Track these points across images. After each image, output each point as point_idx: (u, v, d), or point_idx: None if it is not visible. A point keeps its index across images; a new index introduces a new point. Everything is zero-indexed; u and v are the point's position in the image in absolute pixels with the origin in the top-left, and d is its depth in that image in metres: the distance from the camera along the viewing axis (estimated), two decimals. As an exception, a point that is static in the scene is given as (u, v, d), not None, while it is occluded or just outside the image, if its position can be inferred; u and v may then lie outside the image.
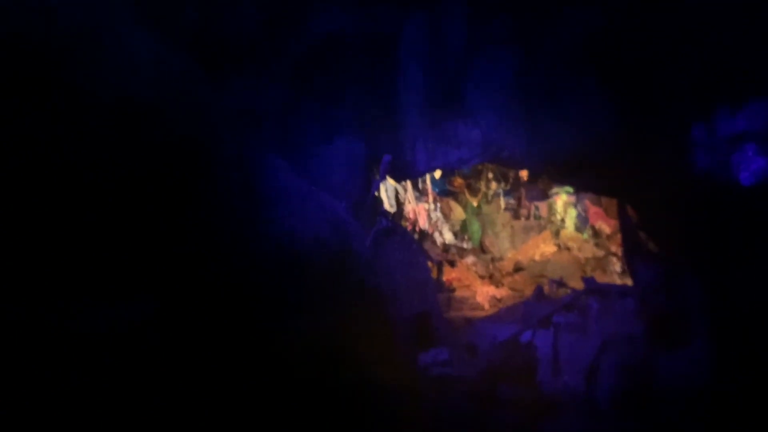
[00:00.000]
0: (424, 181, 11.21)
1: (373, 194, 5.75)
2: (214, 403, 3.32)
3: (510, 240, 12.25)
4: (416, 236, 9.57)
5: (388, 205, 10.18)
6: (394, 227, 5.82)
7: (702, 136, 6.11)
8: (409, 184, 10.46)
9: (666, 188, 6.23)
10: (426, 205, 10.98)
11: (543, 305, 7.17)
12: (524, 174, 11.56)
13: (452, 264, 9.46)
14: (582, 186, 9.30)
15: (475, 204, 13.03)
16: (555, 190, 12.55)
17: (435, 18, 5.93)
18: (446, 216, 12.46)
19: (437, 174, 11.02)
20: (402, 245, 5.78)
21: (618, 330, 6.33)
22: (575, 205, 12.45)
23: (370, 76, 5.96)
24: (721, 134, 6.06)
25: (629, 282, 7.61)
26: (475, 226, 12.83)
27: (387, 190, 10.30)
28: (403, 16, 5.93)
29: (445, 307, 8.20)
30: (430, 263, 8.62)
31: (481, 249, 12.39)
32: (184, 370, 3.29)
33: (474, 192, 12.90)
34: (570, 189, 12.36)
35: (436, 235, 10.65)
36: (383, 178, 5.79)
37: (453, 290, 8.88)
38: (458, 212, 12.92)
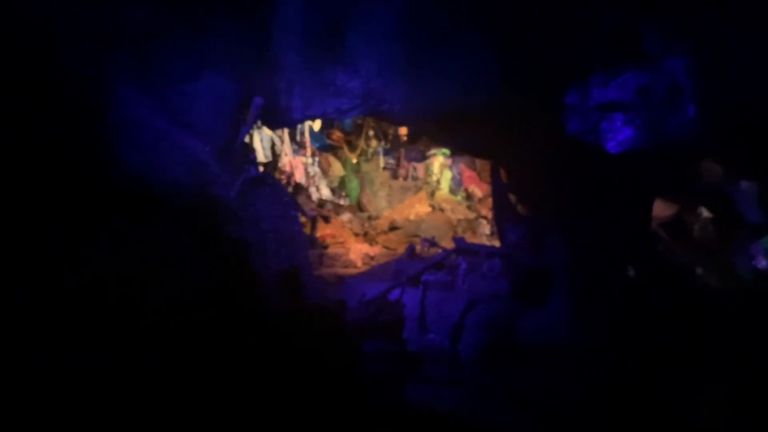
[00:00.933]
0: (303, 134, 10.80)
1: (242, 140, 5.31)
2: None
3: (387, 199, 12.22)
4: (290, 189, 9.20)
5: (263, 155, 9.71)
6: (264, 177, 5.43)
7: (575, 102, 6.24)
8: (286, 135, 10.03)
9: (538, 152, 6.34)
10: (304, 159, 10.61)
11: (414, 264, 7.14)
12: (404, 133, 11.49)
13: (326, 220, 9.23)
14: (458, 146, 9.38)
15: (354, 161, 12.83)
16: (433, 151, 12.63)
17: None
18: (324, 171, 12.18)
19: (316, 127, 10.66)
20: (272, 197, 5.43)
21: (484, 289, 6.43)
22: (451, 168, 12.63)
23: (246, 11, 5.46)
24: (593, 102, 6.22)
25: (498, 244, 7.77)
26: (353, 184, 12.66)
27: (262, 140, 9.81)
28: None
29: (317, 263, 7.98)
30: (303, 218, 8.33)
31: (358, 207, 12.27)
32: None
33: (354, 149, 12.68)
34: (447, 151, 12.50)
35: (313, 190, 10.33)
36: (254, 123, 5.36)
37: (326, 247, 8.68)
38: (337, 168, 12.67)
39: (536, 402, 5.14)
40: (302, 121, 6.16)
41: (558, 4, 5.73)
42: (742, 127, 6.29)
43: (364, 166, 13.00)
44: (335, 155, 12.74)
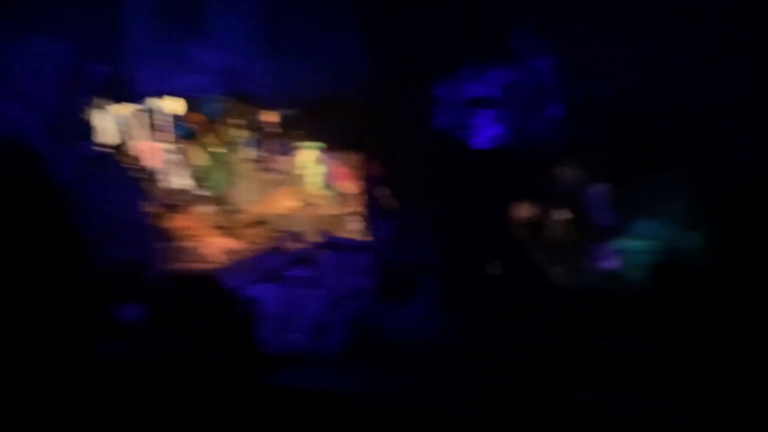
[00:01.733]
0: (166, 118, 9.93)
1: (79, 113, 4.60)
2: None
3: (254, 192, 11.63)
4: (141, 176, 8.33)
5: (111, 136, 8.80)
6: (104, 158, 4.74)
7: (445, 96, 6.14)
8: (142, 116, 9.17)
9: (410, 144, 6.20)
10: (163, 144, 9.75)
11: (275, 258, 6.72)
12: (273, 121, 10.99)
13: (178, 210, 8.49)
14: (329, 137, 9.09)
15: (219, 151, 12.11)
16: (305, 144, 12.23)
17: None
18: (186, 159, 11.35)
19: (178, 109, 9.87)
20: (114, 181, 4.78)
21: (350, 285, 6.16)
22: (323, 161, 12.31)
23: None
24: (462, 97, 6.16)
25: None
26: (218, 174, 11.94)
27: (113, 119, 8.89)
28: None
29: (166, 257, 7.29)
30: (152, 208, 7.61)
31: (222, 199, 11.59)
32: None
33: (220, 137, 11.97)
34: (320, 144, 12.13)
35: (170, 178, 9.53)
36: (91, 94, 4.66)
37: (179, 240, 7.98)
38: (199, 157, 11.89)
39: (403, 399, 4.95)
40: (152, 97, 5.54)
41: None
42: (601, 129, 6.53)
43: (231, 157, 12.33)
44: (200, 143, 11.96)
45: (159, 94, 5.43)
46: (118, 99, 5.33)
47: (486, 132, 6.17)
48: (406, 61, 5.66)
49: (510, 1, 5.83)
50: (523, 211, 8.50)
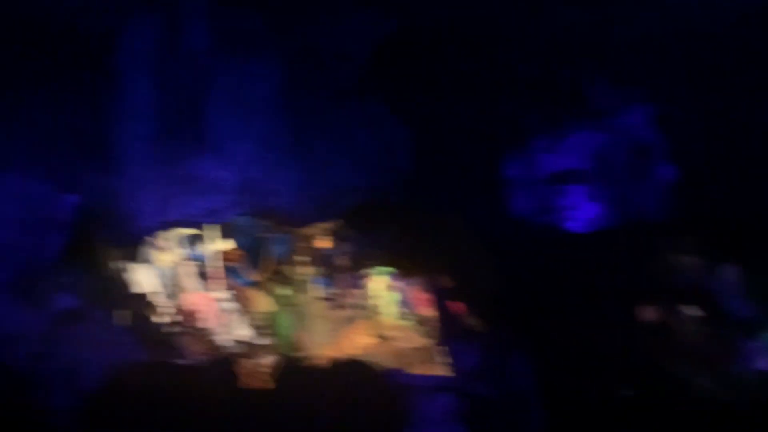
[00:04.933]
0: (217, 263, 9.06)
1: (55, 256, 3.57)
2: None
3: (326, 333, 10.33)
4: (189, 331, 7.22)
5: (150, 289, 7.91)
6: (83, 310, 3.57)
7: (518, 174, 4.89)
8: (187, 265, 8.35)
9: (481, 244, 4.90)
10: (215, 294, 8.80)
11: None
12: (327, 246, 9.98)
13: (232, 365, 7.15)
14: (397, 257, 7.98)
15: (284, 293, 11.12)
16: (374, 270, 11.00)
17: (167, 15, 4.26)
18: (246, 308, 10.38)
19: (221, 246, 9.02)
20: (101, 339, 3.62)
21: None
22: (396, 288, 10.98)
23: (76, 85, 4.06)
24: (541, 173, 4.88)
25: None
26: (284, 320, 10.85)
27: (153, 272, 8.07)
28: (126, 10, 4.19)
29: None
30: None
31: (292, 346, 10.39)
32: None
33: (282, 279, 11.02)
34: (390, 269, 10.88)
35: (225, 329, 8.42)
36: (71, 231, 3.65)
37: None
38: (263, 303, 10.90)
39: None
40: (156, 231, 4.54)
41: (479, 54, 4.54)
42: (722, 194, 5.03)
43: (297, 298, 11.27)
44: (263, 287, 11.06)
45: (166, 225, 4.42)
46: (113, 238, 4.37)
47: (583, 212, 4.81)
48: (461, 139, 4.53)
49: (579, 49, 4.68)
50: (645, 312, 6.86)
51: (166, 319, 7.59)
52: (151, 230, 4.24)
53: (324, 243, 9.90)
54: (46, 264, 3.50)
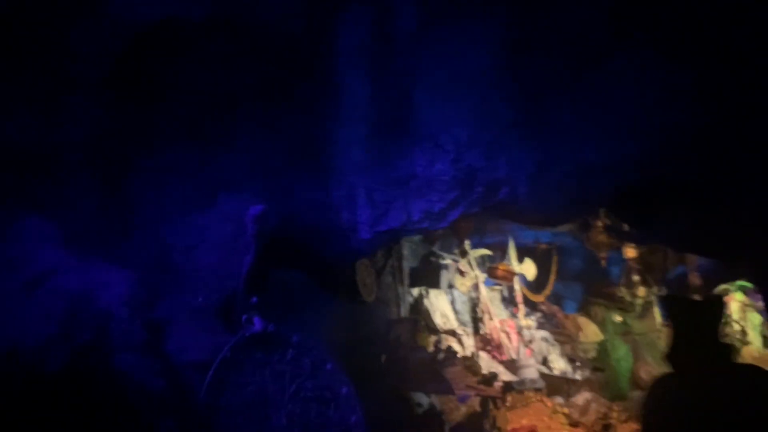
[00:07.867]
0: (516, 281, 8.24)
1: (245, 277, 3.26)
2: None
3: (661, 365, 8.49)
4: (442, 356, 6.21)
5: (450, 320, 7.46)
6: (270, 337, 3.08)
7: None
8: (485, 290, 7.75)
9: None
10: (519, 321, 7.96)
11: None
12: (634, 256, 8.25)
13: (495, 403, 5.89)
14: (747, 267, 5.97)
15: (618, 319, 9.64)
16: (723, 287, 8.72)
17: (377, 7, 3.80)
18: (570, 336, 9.25)
19: (529, 272, 8.17)
20: (289, 372, 3.07)
21: None
22: (757, 308, 8.50)
23: (289, 95, 3.88)
24: None
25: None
26: (620, 351, 9.35)
27: (452, 300, 7.63)
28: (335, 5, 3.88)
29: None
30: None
31: (634, 383, 8.83)
32: None
33: (617, 301, 9.58)
34: (746, 284, 8.48)
35: (530, 362, 7.42)
36: (255, 249, 3.30)
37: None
38: (591, 331, 9.61)
39: None
40: (374, 244, 3.80)
41: None
42: None
43: (636, 325, 9.63)
44: (589, 312, 9.84)
45: (380, 236, 3.78)
46: (328, 259, 3.92)
47: None
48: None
49: None
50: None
51: (469, 349, 7.01)
52: (369, 244, 3.71)
53: (631, 252, 8.23)
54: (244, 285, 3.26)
